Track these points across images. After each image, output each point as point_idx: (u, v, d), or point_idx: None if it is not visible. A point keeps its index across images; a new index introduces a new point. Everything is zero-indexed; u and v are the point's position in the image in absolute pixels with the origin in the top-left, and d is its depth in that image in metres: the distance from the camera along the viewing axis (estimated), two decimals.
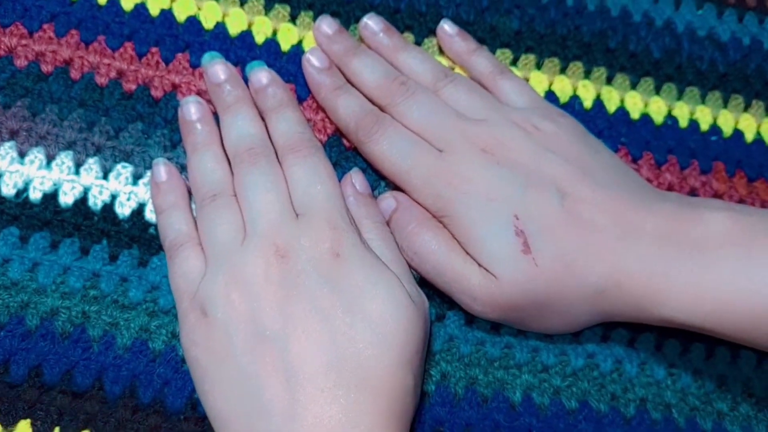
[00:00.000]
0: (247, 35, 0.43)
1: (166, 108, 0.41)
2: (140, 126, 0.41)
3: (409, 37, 0.45)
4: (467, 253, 0.38)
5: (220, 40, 0.43)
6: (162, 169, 0.39)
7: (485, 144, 0.39)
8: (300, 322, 0.33)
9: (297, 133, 0.40)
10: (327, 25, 0.43)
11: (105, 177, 0.40)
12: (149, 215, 0.40)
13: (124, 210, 0.39)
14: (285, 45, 0.44)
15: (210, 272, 0.35)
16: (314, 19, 0.44)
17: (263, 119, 0.41)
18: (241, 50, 0.43)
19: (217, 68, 0.41)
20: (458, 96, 0.42)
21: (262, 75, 0.41)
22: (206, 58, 0.42)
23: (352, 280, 0.35)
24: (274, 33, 0.44)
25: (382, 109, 0.41)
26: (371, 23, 0.44)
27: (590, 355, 0.40)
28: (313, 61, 0.42)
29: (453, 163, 0.38)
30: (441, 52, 0.45)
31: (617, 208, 0.37)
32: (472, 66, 0.44)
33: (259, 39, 0.43)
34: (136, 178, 0.40)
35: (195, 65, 0.42)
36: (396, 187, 0.41)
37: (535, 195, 0.37)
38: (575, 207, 0.37)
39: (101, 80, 0.41)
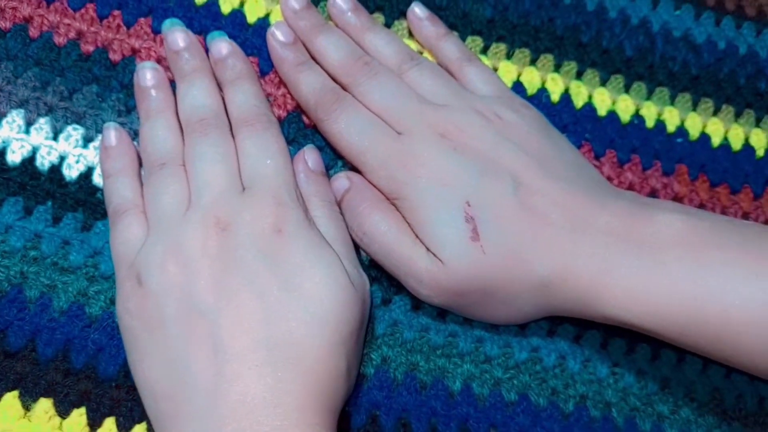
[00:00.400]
0: (212, 4, 0.43)
1: (123, 72, 0.41)
2: (95, 89, 0.40)
3: (380, 18, 0.45)
4: (417, 237, 0.37)
5: (184, 8, 0.42)
6: (112, 133, 0.39)
7: (444, 129, 0.38)
8: (234, 296, 0.33)
9: (253, 107, 0.39)
10: None
11: (55, 138, 0.39)
12: (97, 179, 0.39)
13: (71, 172, 0.39)
14: (251, 17, 0.43)
15: (149, 241, 0.35)
16: None
17: (222, 91, 0.40)
18: (205, 19, 0.42)
19: (177, 35, 0.40)
20: (422, 80, 0.41)
21: (222, 45, 0.41)
22: (167, 24, 0.41)
23: (292, 258, 0.34)
24: (241, 4, 0.43)
25: (344, 88, 0.41)
26: (340, 1, 0.43)
27: (534, 348, 0.40)
28: (277, 35, 0.42)
29: (410, 145, 0.38)
30: (411, 35, 0.45)
31: (571, 202, 0.37)
32: (440, 51, 0.44)
33: (225, 9, 0.43)
34: (87, 141, 0.39)
35: (157, 31, 0.41)
36: (353, 168, 0.40)
37: (489, 183, 0.37)
38: (529, 198, 0.37)
39: (59, 40, 0.40)
